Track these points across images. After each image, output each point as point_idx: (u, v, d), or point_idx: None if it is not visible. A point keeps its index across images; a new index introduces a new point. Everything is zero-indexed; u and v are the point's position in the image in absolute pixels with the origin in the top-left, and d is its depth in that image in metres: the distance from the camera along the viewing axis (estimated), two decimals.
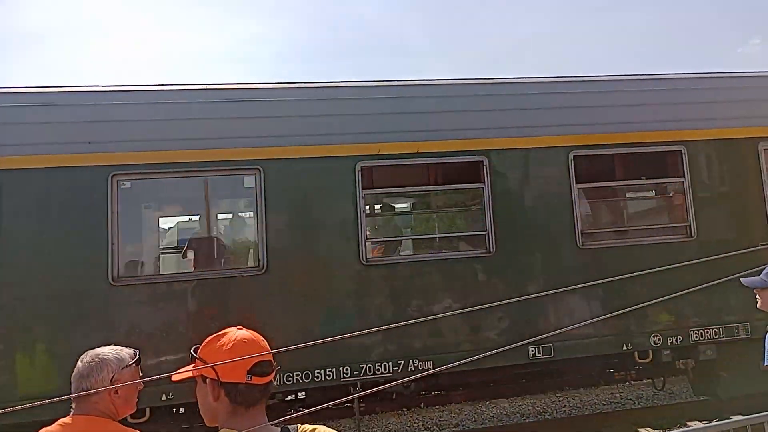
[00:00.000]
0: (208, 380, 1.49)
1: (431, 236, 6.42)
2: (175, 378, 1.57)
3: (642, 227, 6.54)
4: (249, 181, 5.48)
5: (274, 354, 1.57)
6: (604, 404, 7.88)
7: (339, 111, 5.70)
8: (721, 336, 6.14)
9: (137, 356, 2.11)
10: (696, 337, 6.09)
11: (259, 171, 5.45)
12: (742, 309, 6.15)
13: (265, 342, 1.57)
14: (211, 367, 1.47)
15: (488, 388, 7.63)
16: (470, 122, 5.92)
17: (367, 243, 5.62)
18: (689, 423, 6.41)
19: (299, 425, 1.53)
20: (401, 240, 6.64)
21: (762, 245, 6.00)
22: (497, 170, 5.91)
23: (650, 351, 6.11)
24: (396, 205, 6.77)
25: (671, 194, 6.63)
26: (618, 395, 8.20)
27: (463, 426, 7.35)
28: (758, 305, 3.43)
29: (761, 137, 6.45)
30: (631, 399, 7.97)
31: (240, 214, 6.15)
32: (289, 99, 5.66)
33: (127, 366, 2.04)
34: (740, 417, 3.85)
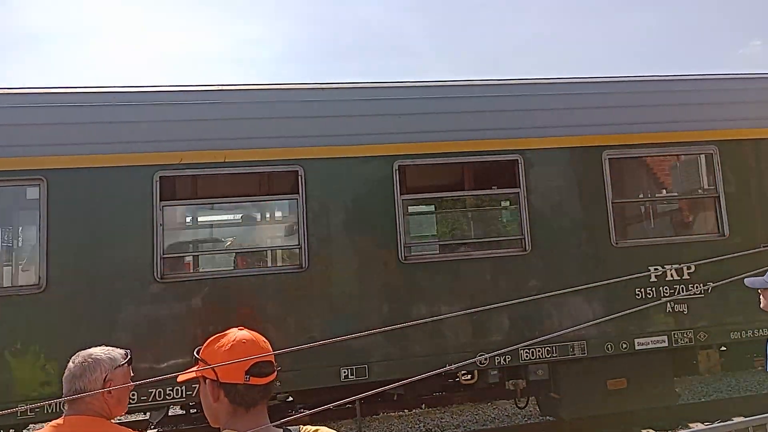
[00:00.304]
0: (207, 381, 1.49)
1: (241, 250, 6.07)
2: (179, 379, 1.57)
3: (472, 240, 6.23)
4: (32, 193, 5.12)
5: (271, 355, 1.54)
6: None
7: (136, 118, 5.36)
8: (555, 355, 5.84)
9: (129, 356, 2.10)
10: (527, 356, 5.79)
11: (43, 181, 5.10)
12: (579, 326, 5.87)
13: (266, 342, 1.55)
14: (211, 368, 1.48)
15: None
16: (283, 130, 5.60)
17: (164, 258, 5.28)
18: (690, 424, 6.22)
19: (301, 426, 1.52)
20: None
21: (764, 246, 5.88)
22: (314, 181, 5.59)
23: (475, 371, 5.80)
24: (218, 218, 6.44)
25: (506, 206, 6.34)
26: None
27: (464, 427, 7.30)
28: (761, 306, 3.36)
29: (606, 145, 6.18)
30: None
31: (23, 227, 5.80)
32: (80, 104, 5.31)
33: (119, 366, 2.03)
34: (742, 418, 3.79)
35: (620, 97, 6.31)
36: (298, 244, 5.51)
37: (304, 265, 5.47)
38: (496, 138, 5.99)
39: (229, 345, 1.49)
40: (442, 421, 7.61)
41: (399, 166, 5.74)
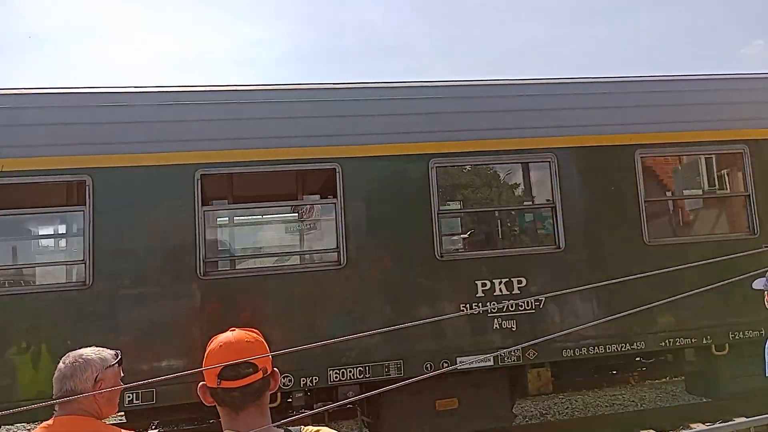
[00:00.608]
0: (200, 384, 1.51)
1: (15, 267, 5.69)
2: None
3: (283, 253, 5.90)
4: None
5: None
6: (606, 406, 7.81)
7: None
8: (368, 376, 5.51)
9: (119, 357, 2.09)
10: (336, 377, 5.45)
11: None
12: (393, 346, 5.55)
13: (251, 342, 1.51)
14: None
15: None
16: (70, 136, 5.23)
17: None
18: (692, 425, 6.13)
19: (302, 427, 1.51)
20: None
21: (765, 247, 5.65)
22: (103, 192, 5.22)
23: (279, 395, 5.45)
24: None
25: (324, 217, 6.01)
26: (620, 397, 8.12)
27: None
28: None
29: (433, 153, 5.86)
30: (633, 401, 7.83)
31: None
32: None
33: (110, 366, 2.02)
34: (743, 419, 3.72)
35: (449, 102, 5.99)
36: (83, 260, 5.14)
37: (88, 282, 5.10)
38: (313, 146, 5.65)
39: (208, 350, 1.50)
40: None
41: (201, 175, 5.39)
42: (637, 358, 7.31)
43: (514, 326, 5.79)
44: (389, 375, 5.55)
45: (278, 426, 1.49)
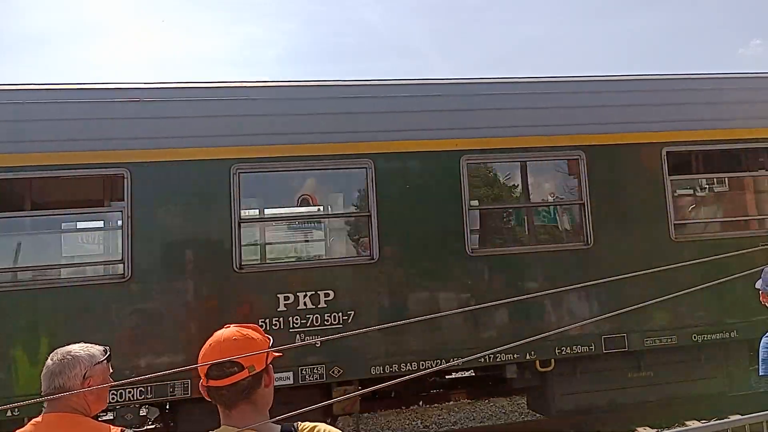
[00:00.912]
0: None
1: None
2: None
3: (57, 266, 5.53)
4: None
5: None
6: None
7: None
8: (149, 396, 5.15)
9: (108, 353, 2.07)
10: (129, 395, 5.09)
11: None
12: (182, 365, 5.20)
13: (234, 342, 1.50)
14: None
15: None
16: None
17: None
18: (687, 422, 6.06)
19: (299, 423, 1.52)
20: None
21: (762, 245, 5.54)
22: None
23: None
24: None
25: (112, 226, 5.65)
26: None
27: (461, 424, 7.22)
28: None
29: (236, 159, 5.51)
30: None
31: None
32: None
33: (98, 363, 2.00)
34: (739, 416, 3.76)
35: (254, 105, 5.65)
36: None
37: None
38: (100, 150, 5.29)
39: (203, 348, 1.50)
40: (440, 418, 7.53)
41: None
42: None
43: (318, 342, 5.47)
44: (174, 395, 5.20)
45: (275, 422, 1.50)
